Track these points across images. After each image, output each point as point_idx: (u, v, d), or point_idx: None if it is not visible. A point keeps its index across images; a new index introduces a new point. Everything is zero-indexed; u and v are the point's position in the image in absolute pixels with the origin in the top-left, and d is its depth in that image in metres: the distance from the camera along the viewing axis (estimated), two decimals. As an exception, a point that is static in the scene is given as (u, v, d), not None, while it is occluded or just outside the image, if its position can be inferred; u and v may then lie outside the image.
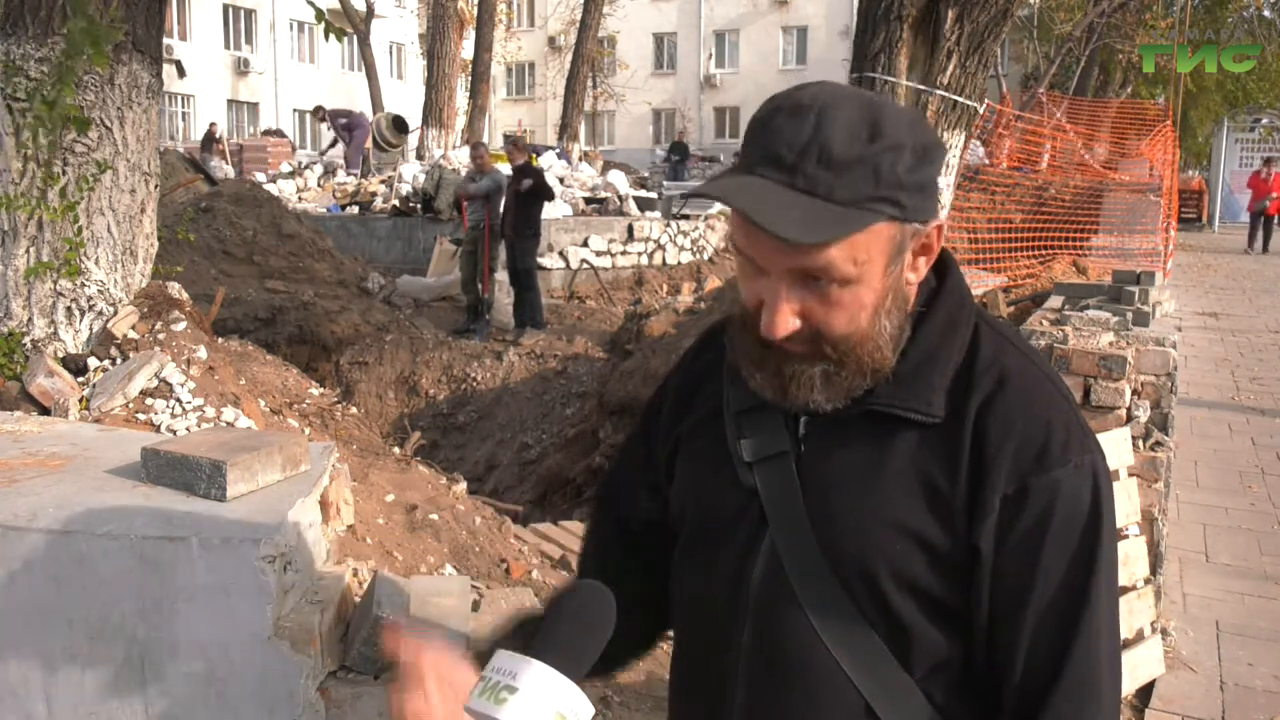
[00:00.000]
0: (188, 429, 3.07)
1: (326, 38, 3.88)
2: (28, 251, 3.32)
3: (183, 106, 31.16)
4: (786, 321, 1.05)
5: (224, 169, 18.71)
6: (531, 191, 11.13)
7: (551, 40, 38.72)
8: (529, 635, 1.07)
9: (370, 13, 24.16)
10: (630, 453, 1.37)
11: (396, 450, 4.64)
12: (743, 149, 1.07)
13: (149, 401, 3.16)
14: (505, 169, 12.79)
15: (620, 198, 16.46)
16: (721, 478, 1.19)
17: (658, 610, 1.29)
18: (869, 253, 1.03)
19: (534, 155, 12.61)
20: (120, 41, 3.27)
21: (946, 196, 5.21)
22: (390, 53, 37.44)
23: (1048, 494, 1.05)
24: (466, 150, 14.98)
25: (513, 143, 12.44)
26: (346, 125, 19.08)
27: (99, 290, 3.41)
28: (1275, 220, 18.69)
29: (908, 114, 1.08)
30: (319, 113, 20.04)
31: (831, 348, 1.07)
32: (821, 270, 1.03)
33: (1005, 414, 1.07)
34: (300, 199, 16.46)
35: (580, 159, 20.98)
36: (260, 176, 16.75)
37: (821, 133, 1.00)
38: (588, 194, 16.78)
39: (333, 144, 19.90)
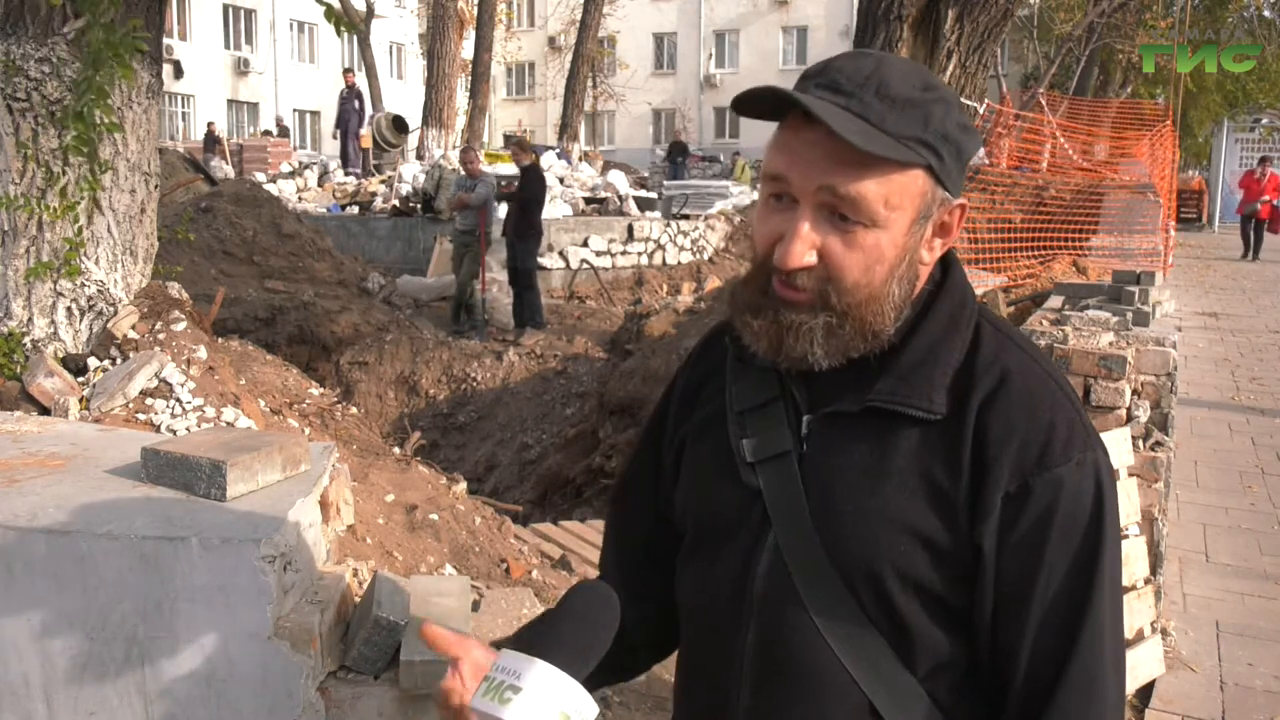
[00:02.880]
0: (188, 429, 3.06)
1: (339, 32, 3.86)
2: (28, 251, 3.32)
3: (183, 106, 31.17)
4: (803, 251, 1.05)
5: (224, 169, 18.70)
6: (522, 194, 11.09)
7: (551, 40, 38.69)
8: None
9: (370, 13, 24.14)
10: (638, 455, 1.37)
11: (396, 450, 4.63)
12: (796, 86, 1.08)
13: (149, 401, 3.16)
14: (506, 169, 12.74)
15: (620, 198, 16.45)
16: (724, 478, 1.18)
17: (674, 612, 1.29)
18: (902, 199, 1.05)
19: (535, 156, 12.56)
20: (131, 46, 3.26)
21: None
22: (390, 53, 37.44)
23: (1050, 492, 1.05)
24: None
25: (517, 144, 12.37)
26: (353, 109, 19.03)
27: (99, 290, 3.40)
28: (1266, 225, 17.24)
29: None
30: (349, 76, 20.02)
31: (838, 297, 1.07)
32: (852, 202, 1.04)
33: (1007, 412, 1.07)
34: (300, 199, 16.44)
35: (580, 159, 20.98)
36: (260, 176, 16.74)
37: (881, 71, 1.05)
38: (588, 194, 16.78)
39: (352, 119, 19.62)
